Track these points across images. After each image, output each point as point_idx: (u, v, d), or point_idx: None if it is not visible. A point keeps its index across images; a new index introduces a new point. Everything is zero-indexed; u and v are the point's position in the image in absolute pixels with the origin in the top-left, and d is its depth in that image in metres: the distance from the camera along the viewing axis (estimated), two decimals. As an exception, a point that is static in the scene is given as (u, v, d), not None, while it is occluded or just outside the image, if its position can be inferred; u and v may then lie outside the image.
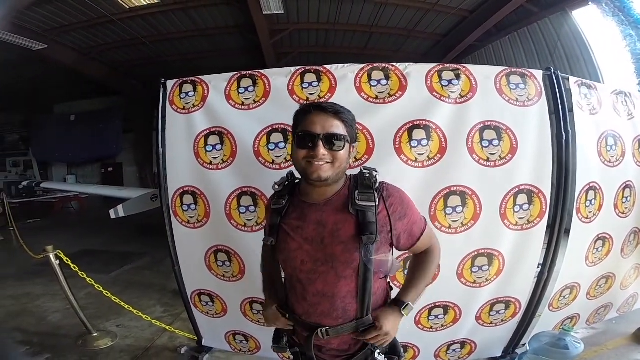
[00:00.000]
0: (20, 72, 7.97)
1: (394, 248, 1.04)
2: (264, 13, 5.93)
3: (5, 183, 10.65)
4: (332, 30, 7.19)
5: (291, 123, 1.07)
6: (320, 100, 1.73)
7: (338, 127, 0.97)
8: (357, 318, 1.00)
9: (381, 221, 0.98)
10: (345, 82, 1.75)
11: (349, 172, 1.07)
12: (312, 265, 0.99)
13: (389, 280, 1.13)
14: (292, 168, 1.08)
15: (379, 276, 1.03)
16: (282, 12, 6.02)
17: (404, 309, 1.02)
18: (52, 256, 2.54)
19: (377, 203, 0.97)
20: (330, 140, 0.96)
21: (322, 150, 0.95)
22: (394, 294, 1.13)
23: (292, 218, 1.03)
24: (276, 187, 1.11)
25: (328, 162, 0.96)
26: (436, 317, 1.93)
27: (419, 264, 1.11)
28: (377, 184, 1.01)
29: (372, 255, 0.95)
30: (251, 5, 5.69)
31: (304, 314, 1.03)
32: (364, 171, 1.03)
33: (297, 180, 1.10)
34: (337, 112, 0.99)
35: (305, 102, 1.74)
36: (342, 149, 0.97)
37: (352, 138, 1.02)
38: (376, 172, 1.03)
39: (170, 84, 1.94)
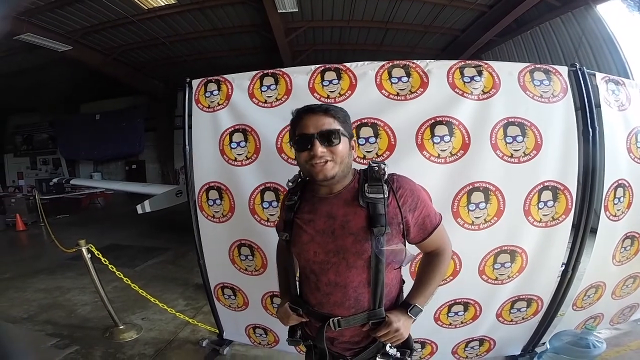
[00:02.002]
0: (48, 74, 8.36)
1: (406, 240, 1.05)
2: (279, 11, 5.98)
3: (36, 180, 11.21)
4: (347, 27, 7.17)
5: None
6: (341, 99, 1.76)
7: (330, 124, 0.99)
8: (369, 309, 1.02)
9: (391, 212, 0.99)
10: (365, 79, 1.77)
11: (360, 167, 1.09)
12: (325, 256, 1.01)
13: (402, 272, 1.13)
14: None
15: (393, 267, 1.04)
16: (297, 10, 6.05)
17: (410, 310, 1.02)
18: (84, 250, 2.65)
19: (387, 195, 0.99)
20: (325, 136, 0.98)
21: (319, 149, 0.97)
22: (406, 287, 1.14)
23: (304, 212, 1.07)
24: (289, 184, 1.15)
25: (329, 160, 0.98)
26: (456, 313, 1.92)
27: (429, 265, 1.10)
28: (386, 176, 1.02)
29: (384, 247, 0.97)
30: (266, 4, 5.75)
31: (317, 304, 1.05)
32: (373, 165, 1.05)
33: (308, 177, 1.12)
34: (327, 109, 1.01)
35: (326, 99, 1.78)
36: (339, 143, 0.99)
37: (348, 133, 1.04)
38: (385, 164, 1.04)
39: (195, 83, 2.01)
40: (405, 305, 1.05)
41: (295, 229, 1.07)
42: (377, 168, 1.03)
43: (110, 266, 2.69)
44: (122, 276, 2.70)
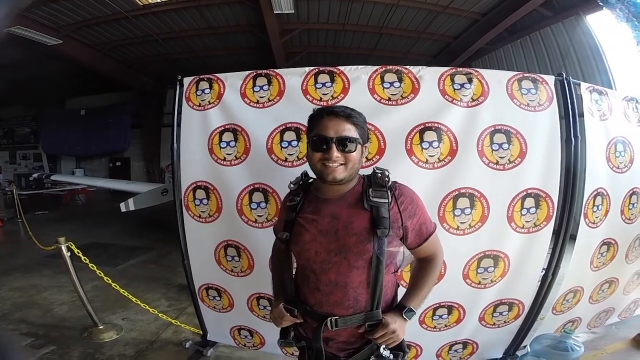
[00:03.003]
0: (34, 67, 8.09)
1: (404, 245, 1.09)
2: (274, 12, 5.96)
3: (15, 175, 10.82)
4: (341, 31, 7.21)
5: (304, 122, 1.13)
6: (333, 102, 1.76)
7: (350, 130, 1.03)
8: (366, 310, 1.04)
9: (393, 217, 1.03)
10: (358, 83, 1.78)
11: (362, 172, 1.12)
12: (326, 256, 1.03)
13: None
14: (305, 167, 1.13)
15: (390, 270, 1.07)
16: (293, 11, 6.05)
17: (405, 312, 1.05)
18: (63, 248, 2.57)
19: (390, 200, 1.04)
20: (343, 143, 1.01)
21: (335, 153, 1.00)
22: (400, 292, 1.16)
23: (307, 212, 1.09)
24: (291, 186, 1.17)
25: (342, 164, 1.02)
26: (440, 317, 1.95)
27: (422, 270, 1.14)
28: (390, 182, 1.07)
29: (385, 248, 1.00)
30: (262, 4, 5.73)
31: (316, 303, 1.06)
32: (377, 171, 1.09)
33: (311, 179, 1.16)
34: (349, 115, 1.04)
35: (319, 102, 1.78)
36: (354, 151, 1.03)
37: (363, 139, 1.08)
38: (388, 172, 1.08)
39: (186, 81, 1.98)
40: (401, 308, 1.07)
41: (297, 228, 1.08)
42: (380, 174, 1.07)
43: (90, 265, 2.61)
44: (102, 275, 2.63)
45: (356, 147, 1.03)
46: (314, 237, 1.05)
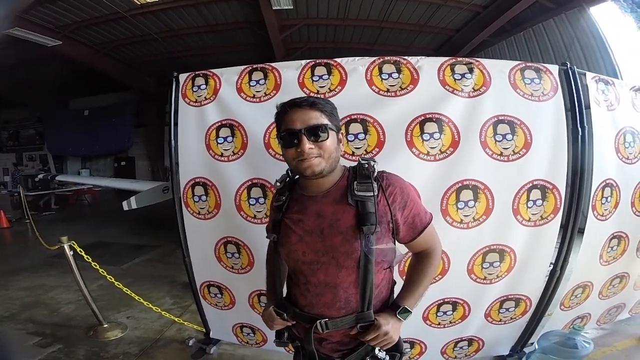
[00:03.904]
0: (37, 69, 8.16)
1: (395, 240, 1.02)
2: (273, 8, 5.93)
3: (22, 176, 10.96)
4: (341, 26, 7.15)
5: None
6: (331, 95, 1.73)
7: (317, 118, 0.96)
8: (357, 311, 0.99)
9: (380, 211, 0.96)
10: (355, 75, 1.75)
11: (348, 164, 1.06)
12: (314, 256, 0.99)
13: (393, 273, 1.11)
14: None
15: (383, 267, 1.01)
16: (292, 7, 6.01)
17: (400, 312, 0.99)
18: (66, 247, 2.59)
19: (377, 193, 0.96)
20: (314, 132, 0.95)
21: (307, 145, 0.94)
22: (397, 288, 1.11)
23: (293, 212, 1.04)
24: (277, 184, 1.12)
25: (317, 156, 0.95)
26: (444, 313, 1.91)
27: (418, 265, 1.08)
28: (375, 173, 1.00)
29: (373, 246, 0.94)
30: (261, 0, 5.69)
31: (307, 305, 1.02)
32: (362, 162, 1.01)
33: (297, 176, 1.10)
34: (313, 103, 0.98)
35: (316, 95, 1.74)
36: (327, 138, 0.96)
37: (336, 126, 1.01)
38: (374, 162, 1.01)
39: (182, 77, 1.97)
40: (394, 307, 1.01)
41: (284, 229, 1.04)
42: (366, 165, 1.00)
43: (93, 263, 2.63)
44: (105, 274, 2.64)
45: (328, 134, 0.96)
46: (300, 237, 1.00)
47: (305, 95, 1.73)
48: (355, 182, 0.98)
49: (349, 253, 0.95)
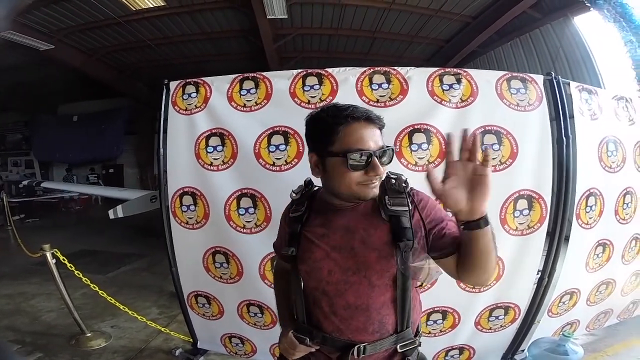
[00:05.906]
0: (26, 73, 8.01)
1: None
2: (268, 17, 5.96)
3: (5, 182, 10.68)
4: (335, 36, 7.22)
5: (292, 125, 1.01)
6: (321, 105, 1.72)
7: (381, 139, 0.88)
8: (396, 332, 0.92)
9: (415, 226, 0.89)
10: (346, 85, 1.76)
11: None
12: (341, 276, 0.91)
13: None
14: (294, 172, 1.03)
15: (415, 284, 0.95)
16: (286, 16, 6.04)
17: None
18: (48, 255, 2.52)
19: (410, 207, 0.90)
20: (386, 155, 0.87)
21: (381, 169, 0.85)
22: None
23: (315, 225, 0.95)
24: (293, 195, 1.02)
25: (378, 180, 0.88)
26: (435, 322, 1.91)
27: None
28: (408, 188, 0.93)
29: (410, 262, 0.88)
30: (256, 9, 5.73)
31: (334, 330, 0.92)
32: (391, 176, 0.94)
33: (316, 188, 1.02)
34: (380, 120, 0.88)
35: (307, 105, 1.74)
36: (391, 162, 0.89)
37: None
38: (404, 176, 0.95)
39: (173, 85, 1.96)
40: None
41: (305, 243, 0.94)
42: (396, 179, 0.93)
43: (76, 272, 2.57)
44: (88, 282, 2.57)
45: (393, 157, 0.89)
46: (326, 254, 0.91)
47: (298, 106, 1.71)
48: (387, 197, 0.91)
49: (384, 270, 0.89)
